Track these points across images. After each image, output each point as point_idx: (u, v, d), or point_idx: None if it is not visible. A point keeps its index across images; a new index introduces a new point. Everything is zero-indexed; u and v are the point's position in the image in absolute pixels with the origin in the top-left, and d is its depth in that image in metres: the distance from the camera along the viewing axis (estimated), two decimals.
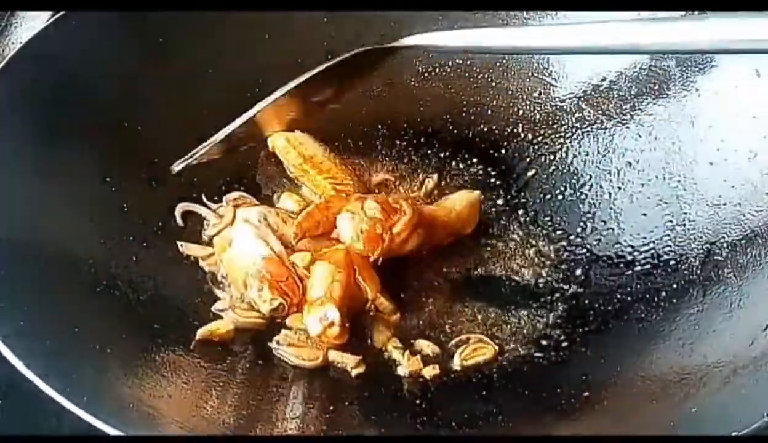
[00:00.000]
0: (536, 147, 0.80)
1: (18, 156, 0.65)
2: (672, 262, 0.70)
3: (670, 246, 0.71)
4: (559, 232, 0.75)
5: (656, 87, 0.76)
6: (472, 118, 0.82)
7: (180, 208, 0.73)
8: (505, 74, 0.81)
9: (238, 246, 0.69)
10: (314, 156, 0.76)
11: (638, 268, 0.71)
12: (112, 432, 0.50)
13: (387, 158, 0.80)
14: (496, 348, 0.67)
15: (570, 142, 0.79)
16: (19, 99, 0.67)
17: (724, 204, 0.69)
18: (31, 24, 0.84)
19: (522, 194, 0.78)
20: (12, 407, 0.64)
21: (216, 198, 0.74)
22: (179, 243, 0.71)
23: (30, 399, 0.55)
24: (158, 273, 0.67)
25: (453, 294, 0.72)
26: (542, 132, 0.80)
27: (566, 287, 0.71)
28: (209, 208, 0.74)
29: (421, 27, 0.81)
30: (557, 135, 0.80)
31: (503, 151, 0.80)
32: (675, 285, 0.68)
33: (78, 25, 0.72)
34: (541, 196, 0.78)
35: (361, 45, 0.80)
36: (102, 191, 0.69)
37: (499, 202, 0.78)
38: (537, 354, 0.67)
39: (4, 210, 0.61)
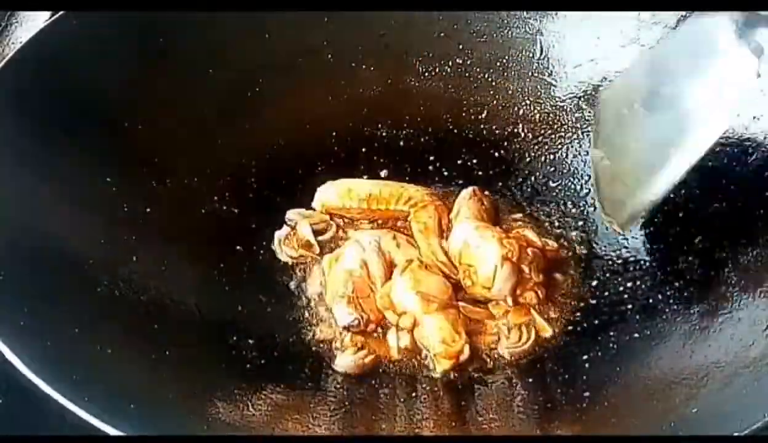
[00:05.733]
0: (536, 147, 0.80)
1: (18, 156, 0.65)
2: (672, 262, 0.70)
3: (671, 246, 0.71)
4: (558, 231, 0.76)
5: None
6: (472, 118, 0.82)
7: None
8: (505, 74, 0.81)
9: (340, 265, 0.71)
10: (371, 192, 0.76)
11: (638, 268, 0.71)
12: (112, 432, 0.50)
13: (387, 159, 0.80)
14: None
15: (570, 142, 0.79)
16: (19, 99, 0.67)
17: (725, 204, 0.69)
18: (31, 24, 0.84)
19: (522, 194, 0.78)
20: (12, 407, 0.64)
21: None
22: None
23: (30, 399, 0.55)
24: (158, 273, 0.67)
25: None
26: (542, 132, 0.80)
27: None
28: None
29: (420, 27, 0.81)
30: (557, 135, 0.80)
31: (503, 151, 0.80)
32: (675, 286, 0.68)
33: (78, 25, 0.72)
34: (541, 196, 0.78)
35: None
36: (102, 191, 0.69)
37: (500, 201, 0.78)
38: (537, 354, 0.67)
39: (4, 210, 0.61)
